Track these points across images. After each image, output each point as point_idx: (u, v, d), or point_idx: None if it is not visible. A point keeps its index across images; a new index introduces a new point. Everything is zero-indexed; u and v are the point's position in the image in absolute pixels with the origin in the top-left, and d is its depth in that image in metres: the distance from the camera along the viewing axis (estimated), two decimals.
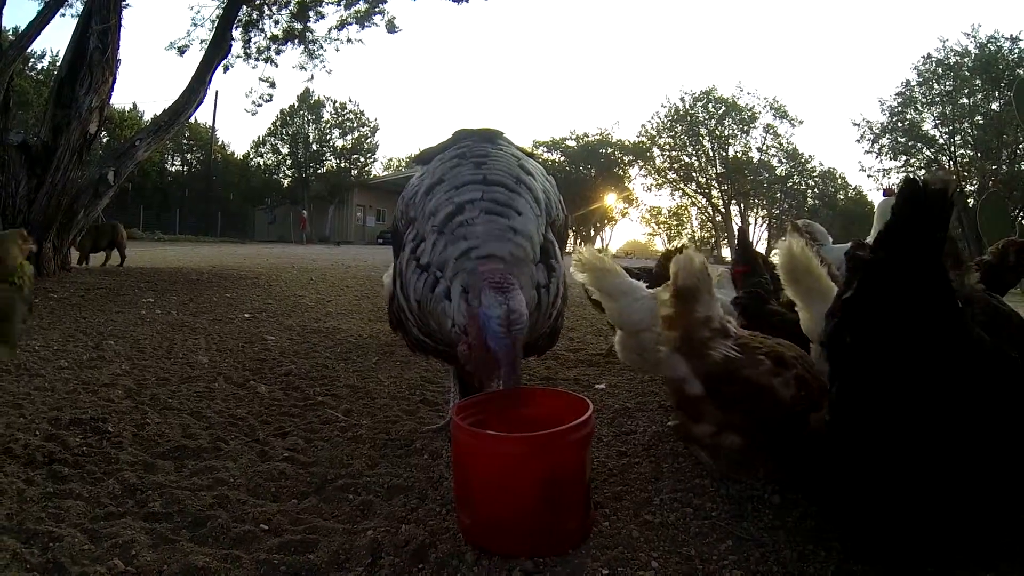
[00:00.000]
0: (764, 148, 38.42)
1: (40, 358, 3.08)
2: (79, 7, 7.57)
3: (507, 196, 1.58)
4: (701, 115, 38.65)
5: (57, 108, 5.79)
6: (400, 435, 2.18)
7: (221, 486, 1.72)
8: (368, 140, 39.13)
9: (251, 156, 39.59)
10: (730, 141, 38.59)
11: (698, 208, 41.77)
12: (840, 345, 1.26)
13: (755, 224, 39.55)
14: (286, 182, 38.61)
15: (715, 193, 39.43)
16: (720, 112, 38.36)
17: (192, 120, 17.05)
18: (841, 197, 39.42)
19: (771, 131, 38.23)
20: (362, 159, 39.50)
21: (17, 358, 2.01)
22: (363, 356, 3.51)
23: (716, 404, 1.57)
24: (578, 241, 34.06)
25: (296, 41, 11.59)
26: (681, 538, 1.45)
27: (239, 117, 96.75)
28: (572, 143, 39.54)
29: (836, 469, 1.32)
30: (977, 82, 29.38)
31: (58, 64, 7.55)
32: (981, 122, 29.76)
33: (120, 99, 34.01)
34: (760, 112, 38.11)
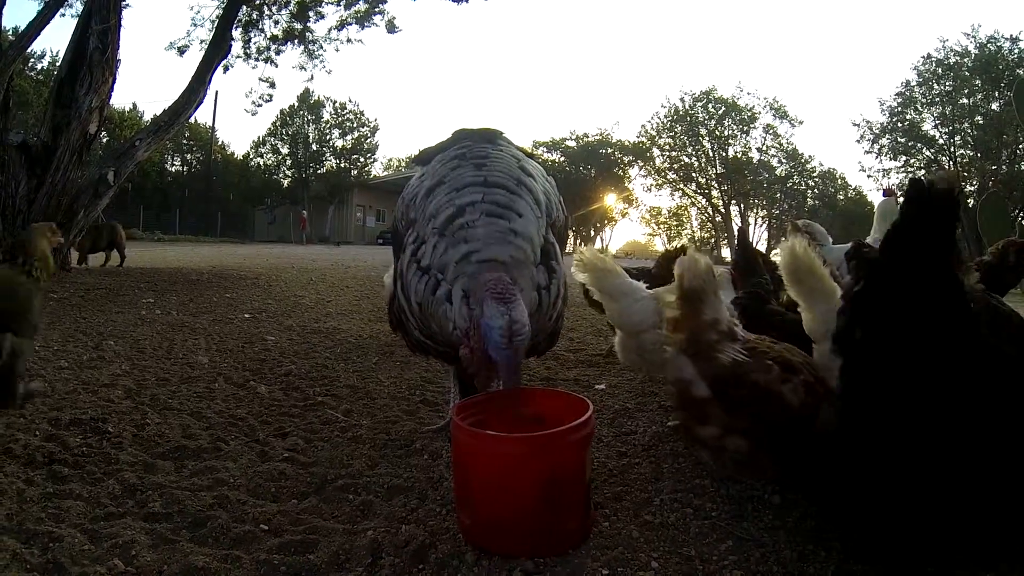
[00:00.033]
0: (764, 148, 38.45)
1: (40, 358, 3.07)
2: (79, 7, 7.57)
3: (508, 198, 1.58)
4: (701, 115, 38.65)
5: (57, 108, 5.79)
6: (400, 435, 2.18)
7: (221, 486, 1.72)
8: (368, 140, 39.15)
9: (251, 156, 39.63)
10: (730, 141, 38.60)
11: (698, 208, 41.80)
12: (849, 341, 1.26)
13: (755, 224, 39.60)
14: (286, 182, 38.61)
15: (715, 193, 39.44)
16: (720, 112, 38.36)
17: (192, 120, 17.05)
18: (841, 197, 39.41)
19: (771, 131, 38.25)
20: (362, 159, 39.52)
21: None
22: (363, 356, 3.51)
23: (723, 407, 1.57)
24: (578, 241, 34.05)
25: (296, 41, 11.60)
26: (681, 538, 1.45)
27: (239, 117, 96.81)
28: (572, 143, 39.56)
29: (841, 469, 1.32)
30: (977, 82, 29.38)
31: (58, 64, 7.55)
32: (981, 122, 29.76)
33: (120, 99, 34.06)
34: (760, 112, 38.14)
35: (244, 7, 9.75)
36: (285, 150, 38.68)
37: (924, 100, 31.67)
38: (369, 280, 8.13)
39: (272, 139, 38.68)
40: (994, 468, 1.16)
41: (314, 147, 38.27)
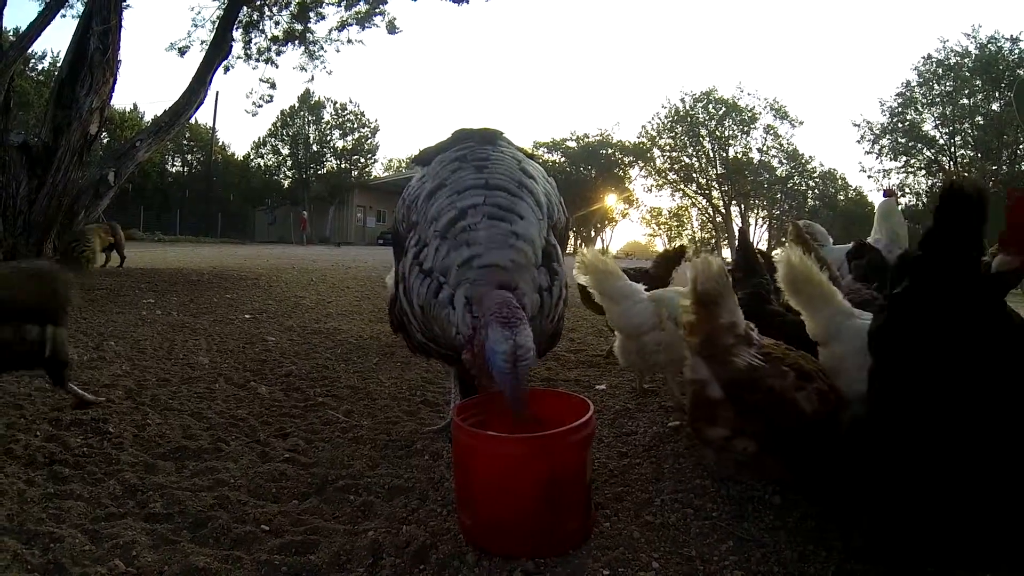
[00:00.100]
0: (764, 149, 38.44)
1: None
2: (80, 8, 7.58)
3: (509, 201, 1.58)
4: (701, 116, 38.65)
5: (58, 109, 5.80)
6: (401, 436, 2.18)
7: (222, 487, 1.72)
8: (368, 141, 39.17)
9: (251, 157, 39.66)
10: (730, 142, 38.60)
11: (698, 209, 41.81)
12: (888, 341, 1.27)
13: (755, 225, 39.61)
14: (286, 183, 38.63)
15: (715, 194, 39.44)
16: (720, 113, 38.36)
17: (192, 121, 17.07)
18: (841, 198, 39.40)
19: (771, 132, 38.25)
20: (362, 160, 39.54)
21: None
22: (364, 357, 3.51)
23: (736, 410, 1.58)
24: (579, 242, 34.04)
25: (296, 42, 11.61)
26: (682, 539, 1.45)
27: (239, 118, 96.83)
28: (572, 144, 39.58)
29: (863, 471, 1.33)
30: (977, 82, 29.38)
31: (59, 65, 7.55)
32: (981, 122, 29.77)
33: (120, 100, 34.10)
34: (760, 113, 38.14)
35: (245, 8, 9.77)
36: (286, 151, 38.71)
37: (924, 100, 31.67)
38: (370, 281, 8.14)
39: (272, 140, 38.72)
40: (1014, 467, 1.16)
41: (315, 148, 38.29)
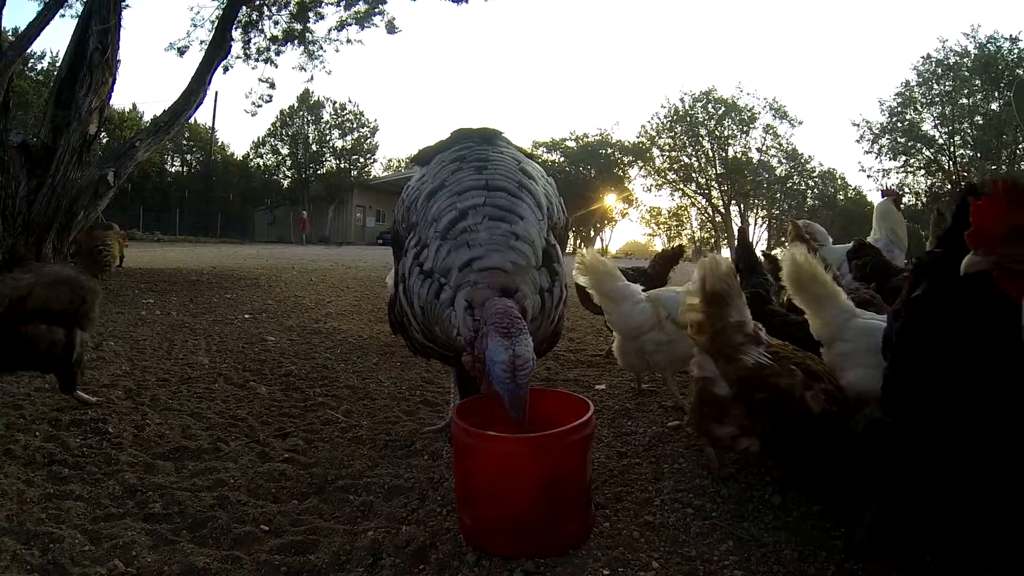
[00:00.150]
0: (764, 148, 38.45)
1: None
2: (79, 8, 7.56)
3: (510, 202, 1.58)
4: (701, 115, 38.65)
5: (57, 109, 5.78)
6: (400, 436, 2.18)
7: (221, 487, 1.72)
8: (368, 141, 39.14)
9: (251, 157, 39.60)
10: (730, 141, 38.60)
11: (698, 209, 41.81)
12: (906, 342, 1.28)
13: (755, 224, 39.60)
14: (286, 183, 38.60)
15: (715, 194, 39.45)
16: (720, 112, 38.36)
17: (192, 121, 17.05)
18: (841, 197, 39.42)
19: (771, 131, 38.26)
20: (362, 160, 39.51)
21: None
22: (363, 357, 3.51)
23: (744, 408, 1.58)
24: (578, 242, 34.06)
25: (296, 42, 11.59)
26: (682, 538, 1.45)
27: (239, 118, 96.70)
28: (572, 144, 39.56)
29: (873, 468, 1.34)
30: (977, 82, 29.38)
31: (58, 65, 7.53)
32: (981, 122, 29.77)
33: (120, 100, 33.92)
34: (760, 112, 38.15)
35: (244, 8, 9.75)
36: (285, 151, 38.68)
37: (924, 100, 31.68)
38: (369, 280, 8.14)
39: (272, 140, 38.69)
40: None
41: (314, 148, 38.26)
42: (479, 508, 1.42)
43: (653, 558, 1.36)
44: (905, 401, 1.29)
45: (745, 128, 38.35)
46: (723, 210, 39.16)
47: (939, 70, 30.89)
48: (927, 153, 31.82)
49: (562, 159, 38.79)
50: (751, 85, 62.02)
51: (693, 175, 39.50)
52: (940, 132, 31.46)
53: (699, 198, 40.49)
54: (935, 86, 31.24)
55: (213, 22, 10.14)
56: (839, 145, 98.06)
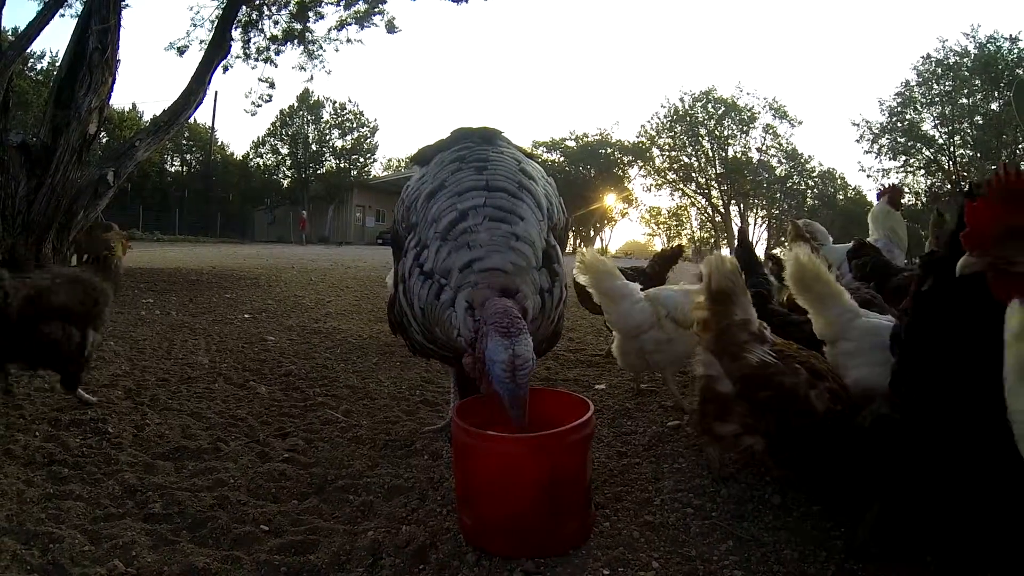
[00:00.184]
0: (764, 148, 38.44)
1: None
2: (79, 7, 7.55)
3: (510, 202, 1.58)
4: (700, 115, 38.64)
5: (57, 109, 5.78)
6: (400, 436, 2.18)
7: (221, 487, 1.72)
8: (368, 140, 39.11)
9: (251, 156, 39.57)
10: (729, 141, 38.59)
11: (698, 208, 41.80)
12: (914, 340, 1.29)
13: (755, 224, 39.59)
14: (286, 182, 38.58)
15: (715, 193, 39.44)
16: (720, 112, 38.35)
17: (192, 120, 17.06)
18: (841, 197, 39.41)
19: (770, 131, 38.24)
20: (362, 159, 39.50)
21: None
22: (363, 357, 3.51)
23: (748, 407, 1.58)
24: (578, 242, 34.04)
25: (296, 41, 11.58)
26: (682, 538, 1.45)
27: (239, 117, 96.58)
28: (572, 143, 39.54)
29: (878, 466, 1.34)
30: (976, 82, 29.38)
31: (58, 65, 7.53)
32: (980, 122, 29.76)
33: (119, 99, 33.85)
34: (759, 112, 38.13)
35: (244, 7, 9.74)
36: (285, 150, 38.66)
37: (924, 100, 31.67)
38: (369, 280, 8.14)
39: (272, 139, 38.66)
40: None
41: (314, 147, 38.23)
42: (479, 508, 1.42)
43: (653, 558, 1.36)
44: (913, 397, 1.29)
45: (745, 128, 38.36)
46: (723, 210, 39.16)
47: (939, 70, 30.89)
48: (927, 153, 31.82)
49: (562, 159, 38.78)
50: (751, 85, 62.06)
51: (693, 175, 39.49)
52: (940, 132, 31.46)
53: (699, 198, 40.51)
54: (935, 86, 31.23)
55: (213, 22, 10.13)
56: (839, 145, 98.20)
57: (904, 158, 32.11)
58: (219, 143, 38.22)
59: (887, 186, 4.13)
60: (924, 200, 29.58)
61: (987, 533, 1.26)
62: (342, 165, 38.71)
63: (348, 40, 11.84)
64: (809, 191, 39.42)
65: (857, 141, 33.41)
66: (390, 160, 44.61)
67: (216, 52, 8.10)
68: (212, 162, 36.58)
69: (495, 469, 1.39)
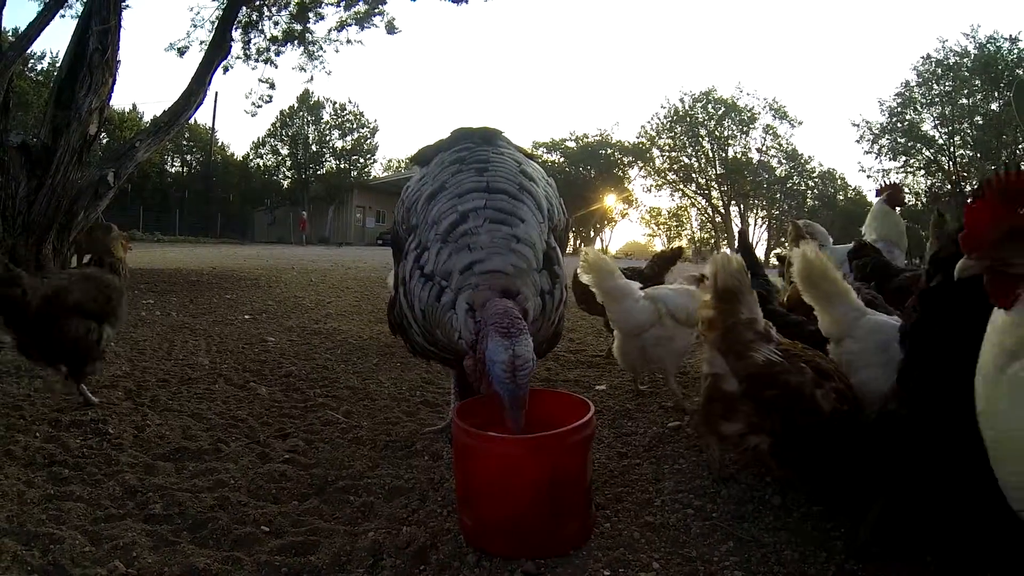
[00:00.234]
0: (764, 149, 38.46)
1: None
2: (79, 8, 7.57)
3: (511, 204, 1.58)
4: (701, 116, 38.66)
5: (57, 109, 5.78)
6: (401, 437, 2.18)
7: (222, 488, 1.72)
8: (368, 141, 39.13)
9: (251, 157, 39.57)
10: (730, 142, 38.62)
11: (698, 209, 41.82)
12: (922, 337, 1.30)
13: (755, 225, 39.62)
14: (286, 183, 38.59)
15: (715, 194, 39.46)
16: (720, 113, 38.37)
17: (192, 121, 17.06)
18: (841, 197, 39.41)
19: (771, 132, 38.27)
20: (362, 160, 39.50)
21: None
22: (363, 357, 3.51)
23: (754, 406, 1.58)
24: (578, 243, 34.03)
25: (296, 42, 11.59)
26: (682, 539, 1.45)
27: (239, 118, 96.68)
28: (572, 144, 39.56)
29: (883, 464, 1.34)
30: (976, 82, 29.39)
31: (58, 65, 7.53)
32: (980, 122, 29.77)
33: (120, 100, 33.90)
34: (760, 113, 38.17)
35: (244, 8, 9.75)
36: (285, 151, 38.67)
37: (924, 100, 31.68)
38: (369, 281, 8.14)
39: (272, 140, 38.68)
40: None
41: (314, 148, 38.25)
42: (480, 509, 1.42)
43: (654, 559, 1.36)
44: (920, 393, 1.29)
45: (745, 128, 38.38)
46: (723, 210, 39.17)
47: (939, 70, 30.90)
48: (927, 153, 31.83)
49: (562, 159, 38.79)
50: (751, 85, 62.14)
51: (693, 175, 39.51)
52: (940, 132, 31.47)
53: (699, 198, 40.53)
54: (935, 86, 31.24)
55: (213, 22, 10.15)
56: (839, 145, 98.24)
57: (904, 158, 32.14)
58: (219, 144, 38.24)
59: (886, 184, 4.11)
60: (924, 200, 29.58)
61: (989, 531, 1.26)
62: (342, 166, 38.73)
63: (348, 41, 11.87)
64: (809, 192, 39.44)
65: (857, 141, 33.46)
66: (390, 161, 44.64)
67: (216, 53, 8.11)
68: (212, 163, 36.58)
69: (496, 470, 1.39)
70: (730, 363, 1.64)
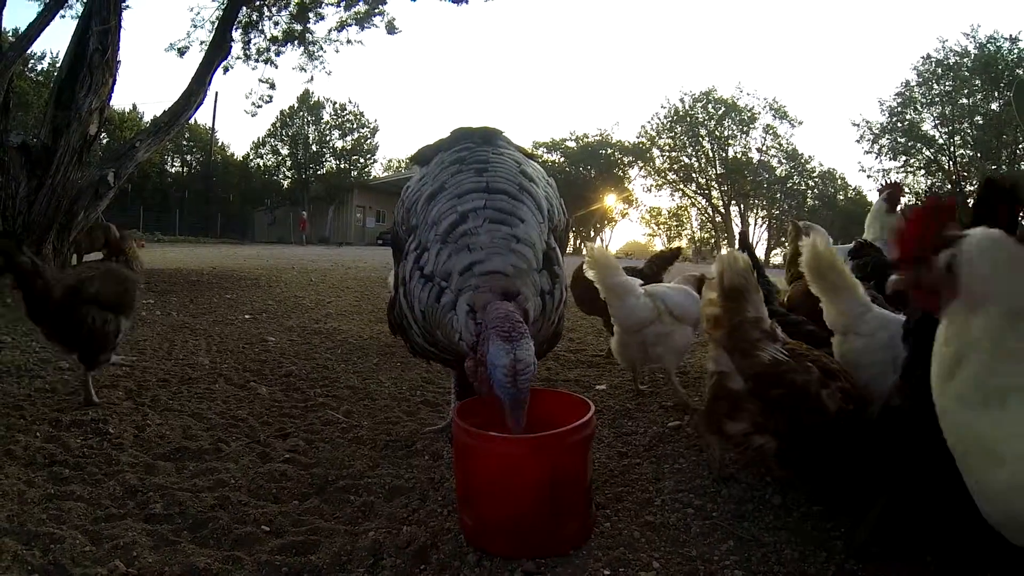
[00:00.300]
0: (764, 149, 38.44)
1: (40, 360, 3.08)
2: (79, 8, 7.57)
3: (510, 204, 1.58)
4: (701, 116, 38.64)
5: (57, 110, 5.78)
6: (401, 436, 2.18)
7: (222, 487, 1.72)
8: (368, 141, 39.12)
9: (251, 157, 39.57)
10: (730, 142, 38.60)
11: (698, 209, 41.79)
12: (926, 331, 1.30)
13: (755, 225, 39.60)
14: (286, 183, 38.59)
15: (715, 194, 39.45)
16: (720, 113, 38.35)
17: (192, 121, 17.06)
18: (841, 197, 39.40)
19: (771, 132, 38.25)
20: (362, 160, 39.51)
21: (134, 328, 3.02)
22: (364, 357, 3.51)
23: (759, 405, 1.58)
24: (578, 243, 34.03)
25: (296, 42, 11.58)
26: (682, 538, 1.46)
27: (239, 118, 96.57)
28: (572, 144, 39.54)
29: (887, 461, 1.34)
30: (977, 82, 29.39)
31: (58, 65, 7.53)
32: (981, 122, 29.78)
33: (120, 100, 33.94)
34: (760, 113, 38.15)
35: (244, 8, 9.75)
36: (285, 151, 38.67)
37: (924, 100, 31.68)
38: (369, 281, 8.14)
39: (272, 140, 38.67)
40: None
41: (314, 148, 38.24)
42: (480, 508, 1.42)
43: (654, 558, 1.36)
44: (924, 388, 1.30)
45: (745, 128, 38.36)
46: (723, 210, 39.16)
47: (939, 70, 30.90)
48: (927, 153, 31.84)
49: (562, 159, 38.78)
50: (751, 85, 62.18)
51: (693, 175, 39.50)
52: (940, 132, 31.48)
53: (699, 198, 40.51)
54: (935, 86, 31.24)
55: (213, 23, 10.15)
56: (839, 145, 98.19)
57: (904, 158, 32.14)
58: (219, 144, 38.24)
59: (887, 183, 4.11)
60: (924, 200, 29.57)
61: (990, 531, 1.26)
62: (342, 166, 38.73)
63: (348, 41, 11.85)
64: (809, 191, 39.42)
65: (857, 141, 33.46)
66: (390, 161, 44.65)
67: (216, 53, 8.11)
68: (212, 163, 36.59)
69: (496, 469, 1.39)
70: (736, 361, 1.64)
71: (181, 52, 11.17)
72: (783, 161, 38.58)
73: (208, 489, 1.70)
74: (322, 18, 11.34)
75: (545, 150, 38.61)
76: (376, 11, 11.17)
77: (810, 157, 39.38)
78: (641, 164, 39.98)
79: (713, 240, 38.97)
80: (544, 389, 1.82)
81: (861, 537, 1.37)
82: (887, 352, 1.57)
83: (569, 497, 1.39)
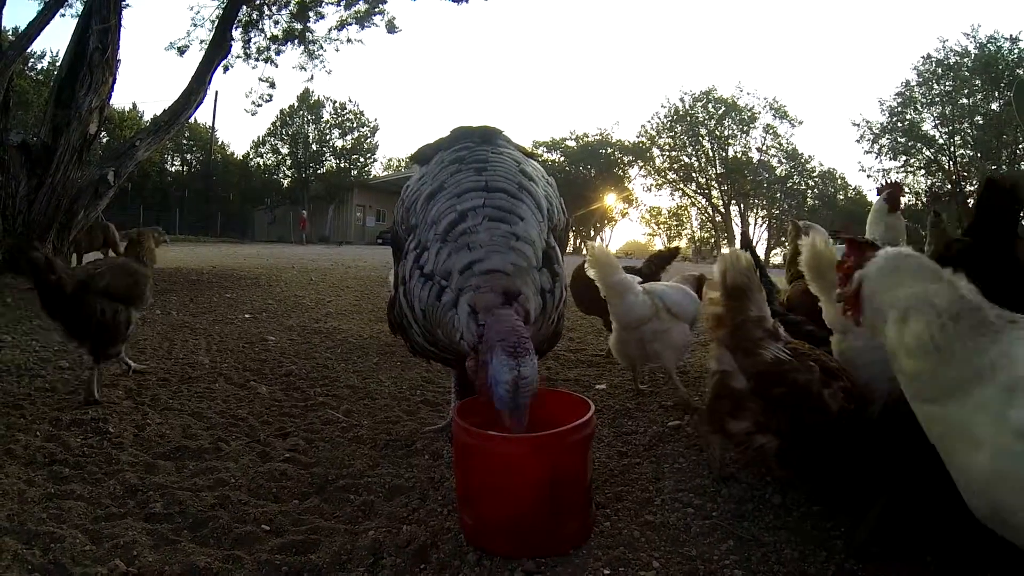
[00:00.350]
0: (764, 148, 38.39)
1: (40, 359, 3.08)
2: (79, 7, 7.56)
3: (510, 203, 1.58)
4: (701, 115, 38.60)
5: (57, 108, 5.78)
6: (401, 436, 2.18)
7: (222, 487, 1.72)
8: (368, 140, 39.07)
9: (251, 156, 39.52)
10: (730, 141, 38.54)
11: (698, 208, 41.74)
12: None
13: (755, 224, 39.56)
14: (286, 182, 38.56)
15: (715, 193, 39.40)
16: (720, 112, 38.31)
17: (192, 120, 17.04)
18: (841, 197, 39.38)
19: (771, 131, 38.19)
20: (362, 159, 39.47)
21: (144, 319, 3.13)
22: (364, 356, 3.51)
23: (761, 404, 1.58)
24: (578, 242, 34.02)
25: (296, 41, 11.58)
26: (682, 538, 1.46)
27: (239, 117, 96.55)
28: (572, 143, 39.49)
29: (889, 460, 1.35)
30: (977, 82, 29.36)
31: (58, 64, 7.53)
32: (981, 122, 29.75)
33: (120, 99, 33.86)
34: (760, 112, 38.09)
35: (244, 7, 9.74)
36: (285, 150, 38.62)
37: (924, 100, 31.64)
38: (369, 280, 8.14)
39: (272, 139, 38.62)
40: None
41: (314, 147, 38.20)
42: (480, 508, 1.42)
43: (654, 557, 1.37)
44: None
45: (745, 128, 38.31)
46: (723, 210, 39.13)
47: (939, 70, 30.86)
48: (927, 153, 31.80)
49: (562, 159, 38.74)
50: (751, 85, 62.02)
51: (693, 175, 39.45)
52: (940, 132, 31.43)
53: (699, 198, 40.45)
54: (935, 86, 31.20)
55: (213, 22, 10.13)
56: (839, 145, 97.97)
57: (904, 158, 32.10)
58: (219, 143, 38.21)
59: (887, 183, 4.10)
60: (924, 200, 29.57)
61: (990, 530, 1.26)
62: (342, 165, 38.68)
63: (348, 40, 11.84)
64: (809, 191, 39.38)
65: (857, 141, 33.41)
66: (390, 160, 44.59)
67: (216, 52, 8.11)
68: (212, 162, 36.56)
69: (496, 469, 1.39)
70: (738, 360, 1.64)
71: (181, 51, 11.17)
72: (783, 161, 38.56)
73: (208, 488, 1.70)
74: (322, 17, 11.35)
75: (545, 149, 38.56)
76: (376, 10, 11.18)
77: (810, 157, 39.36)
78: (641, 163, 39.94)
79: (713, 240, 38.95)
80: (544, 389, 1.82)
81: (861, 537, 1.37)
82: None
83: (569, 496, 1.39)
